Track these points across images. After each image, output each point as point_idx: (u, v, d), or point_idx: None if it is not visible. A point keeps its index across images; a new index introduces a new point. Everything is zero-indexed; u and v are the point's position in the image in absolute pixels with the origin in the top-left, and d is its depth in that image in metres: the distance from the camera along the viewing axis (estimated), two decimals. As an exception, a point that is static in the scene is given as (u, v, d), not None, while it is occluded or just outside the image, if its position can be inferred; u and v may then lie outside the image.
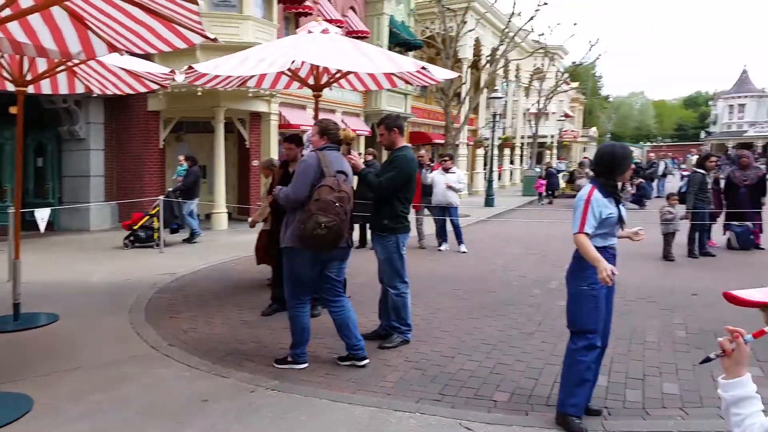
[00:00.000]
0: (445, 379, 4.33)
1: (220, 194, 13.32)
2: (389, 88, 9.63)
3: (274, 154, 14.09)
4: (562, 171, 27.71)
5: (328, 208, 4.20)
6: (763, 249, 10.06)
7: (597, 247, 3.46)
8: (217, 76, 6.22)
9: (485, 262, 9.38)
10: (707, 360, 1.45)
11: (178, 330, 5.58)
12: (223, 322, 5.88)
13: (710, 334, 5.34)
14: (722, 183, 10.77)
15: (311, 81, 6.65)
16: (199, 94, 11.84)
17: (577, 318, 3.57)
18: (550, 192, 22.18)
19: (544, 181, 22.06)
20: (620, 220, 3.57)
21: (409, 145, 5.43)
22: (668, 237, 9.47)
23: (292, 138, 6.20)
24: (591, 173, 18.79)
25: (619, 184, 3.77)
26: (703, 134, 66.94)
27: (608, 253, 3.54)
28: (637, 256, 9.17)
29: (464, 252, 10.19)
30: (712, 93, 74.05)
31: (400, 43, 19.62)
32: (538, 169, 25.21)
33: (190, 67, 6.03)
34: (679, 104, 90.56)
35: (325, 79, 6.71)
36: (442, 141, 20.80)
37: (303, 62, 6.05)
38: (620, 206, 3.59)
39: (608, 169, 3.59)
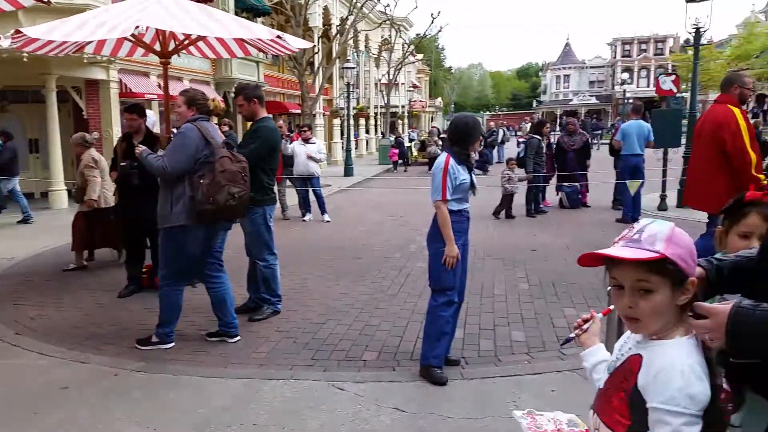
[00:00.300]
0: (316, 345, 4.45)
1: (57, 170, 12.11)
2: (241, 56, 9.35)
3: (116, 125, 13.09)
4: (414, 140, 28.82)
5: (235, 179, 4.16)
6: (589, 207, 11.37)
7: (453, 211, 3.75)
8: (50, 42, 5.61)
9: (348, 230, 9.62)
10: (568, 340, 1.68)
11: (25, 317, 5.12)
12: (75, 306, 5.48)
13: (548, 285, 6.00)
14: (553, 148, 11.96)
15: (157, 47, 6.24)
16: (25, 60, 10.54)
17: (438, 276, 3.84)
18: (404, 160, 23.06)
19: (396, 150, 22.89)
20: (472, 186, 3.89)
21: (270, 115, 5.37)
22: (508, 198, 10.36)
23: (134, 108, 5.84)
24: (441, 141, 19.79)
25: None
26: (535, 103, 72.98)
27: (463, 216, 3.86)
28: (483, 217, 9.94)
29: (328, 221, 10.34)
30: (542, 64, 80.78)
31: (246, 8, 18.91)
32: (392, 139, 26.03)
33: (18, 32, 5.37)
34: (513, 75, 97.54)
35: (172, 45, 6.33)
36: (298, 111, 20.62)
37: (148, 27, 5.66)
38: (471, 173, 3.90)
39: (462, 138, 3.87)
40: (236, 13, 17.35)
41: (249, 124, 5.24)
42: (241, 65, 18.84)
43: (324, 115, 25.05)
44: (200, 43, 6.46)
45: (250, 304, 5.19)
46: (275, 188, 5.30)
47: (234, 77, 18.06)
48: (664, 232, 1.29)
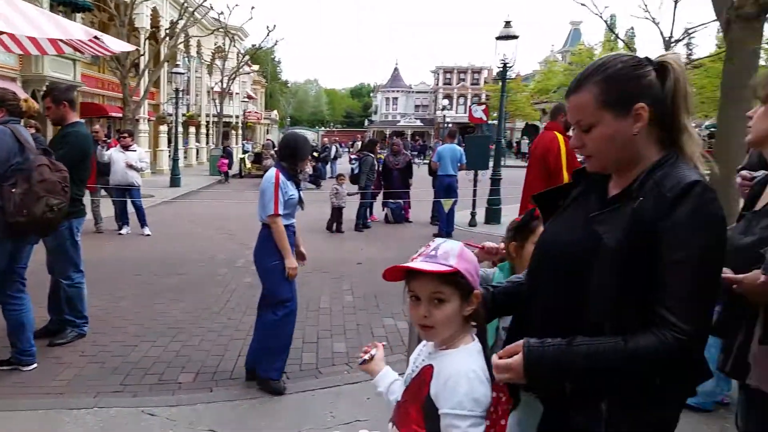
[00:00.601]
0: (126, 369, 4.19)
1: None
2: (54, 54, 8.46)
3: None
4: (249, 152, 28.30)
5: (55, 189, 3.80)
6: (411, 222, 12.06)
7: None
8: None
9: (172, 244, 9.16)
10: (363, 362, 1.79)
11: None
12: None
13: (371, 297, 6.27)
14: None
15: (-54, 36, 5.47)
16: None
17: (275, 290, 3.89)
18: (227, 173, 22.68)
19: (225, 161, 22.36)
20: (300, 201, 4.00)
21: (82, 120, 4.96)
22: (337, 212, 10.66)
23: None
24: (275, 155, 19.63)
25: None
26: (366, 122, 75.48)
27: (290, 230, 3.95)
28: (313, 231, 10.08)
29: (148, 235, 9.73)
30: (373, 86, 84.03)
31: (64, 2, 17.22)
32: (221, 149, 25.34)
33: None
34: (347, 94, 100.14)
35: (-34, 36, 5.59)
36: (120, 114, 19.14)
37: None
38: (299, 189, 4.01)
39: (291, 155, 3.99)
40: (51, 8, 15.73)
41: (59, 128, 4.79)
42: (55, 62, 17.02)
43: (149, 120, 23.57)
44: (3, 36, 5.76)
45: (51, 327, 4.71)
46: (85, 199, 4.90)
47: (46, 75, 16.26)
48: (456, 250, 1.47)
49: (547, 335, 1.36)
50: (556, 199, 1.57)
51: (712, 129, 13.28)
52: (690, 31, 19.23)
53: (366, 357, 1.77)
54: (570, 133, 4.87)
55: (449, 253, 1.45)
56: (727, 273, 1.56)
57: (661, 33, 18.68)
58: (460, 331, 1.48)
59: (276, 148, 21.41)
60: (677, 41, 19.57)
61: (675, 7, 18.02)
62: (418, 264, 1.44)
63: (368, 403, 3.75)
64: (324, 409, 3.66)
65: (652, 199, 1.28)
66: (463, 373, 1.39)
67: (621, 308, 1.28)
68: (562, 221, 1.51)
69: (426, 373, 1.46)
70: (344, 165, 20.67)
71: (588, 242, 1.33)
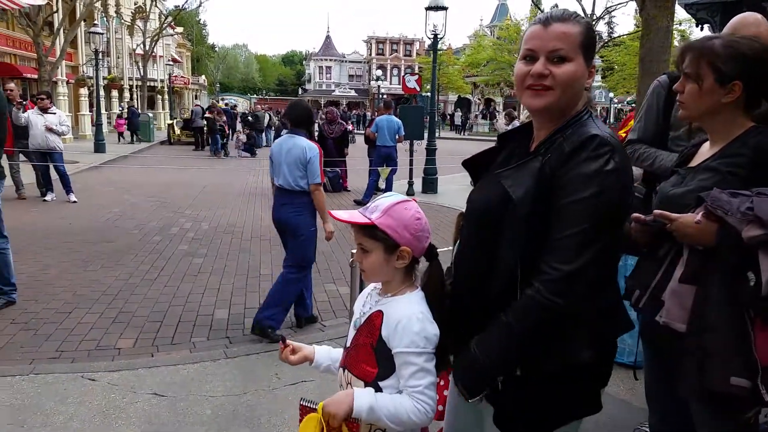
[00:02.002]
0: (61, 336, 4.08)
1: None
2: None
3: None
4: (177, 118, 27.21)
5: None
6: (349, 191, 12.06)
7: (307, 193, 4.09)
8: None
9: (100, 211, 8.79)
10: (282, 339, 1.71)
11: None
12: None
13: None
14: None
15: None
16: None
17: (306, 254, 4.23)
18: (135, 133, 22.23)
19: (123, 121, 21.65)
20: None
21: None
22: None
23: None
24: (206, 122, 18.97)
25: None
26: (300, 91, 73.92)
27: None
28: (252, 198, 9.94)
29: (74, 201, 9.32)
30: (305, 53, 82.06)
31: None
32: (151, 114, 24.33)
33: None
34: (278, 61, 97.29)
35: None
36: (35, 76, 17.92)
37: None
38: None
39: (309, 122, 4.24)
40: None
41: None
42: (-44, 15, 15.69)
43: (68, 83, 22.20)
44: None
45: (-23, 296, 4.50)
46: (3, 162, 4.63)
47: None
48: (386, 204, 1.50)
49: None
50: (486, 165, 1.59)
51: (634, 104, 13.96)
52: (610, 9, 20.08)
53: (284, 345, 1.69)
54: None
55: (377, 207, 1.50)
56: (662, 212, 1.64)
57: (584, 10, 19.38)
58: (402, 280, 1.56)
59: (206, 115, 20.57)
60: (598, 19, 20.36)
61: (596, -15, 18.75)
62: (342, 213, 1.51)
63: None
64: (269, 371, 3.69)
65: (556, 155, 1.33)
66: (413, 315, 1.46)
67: (531, 264, 1.32)
68: (484, 184, 1.55)
69: (376, 318, 1.53)
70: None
71: (498, 197, 1.37)
